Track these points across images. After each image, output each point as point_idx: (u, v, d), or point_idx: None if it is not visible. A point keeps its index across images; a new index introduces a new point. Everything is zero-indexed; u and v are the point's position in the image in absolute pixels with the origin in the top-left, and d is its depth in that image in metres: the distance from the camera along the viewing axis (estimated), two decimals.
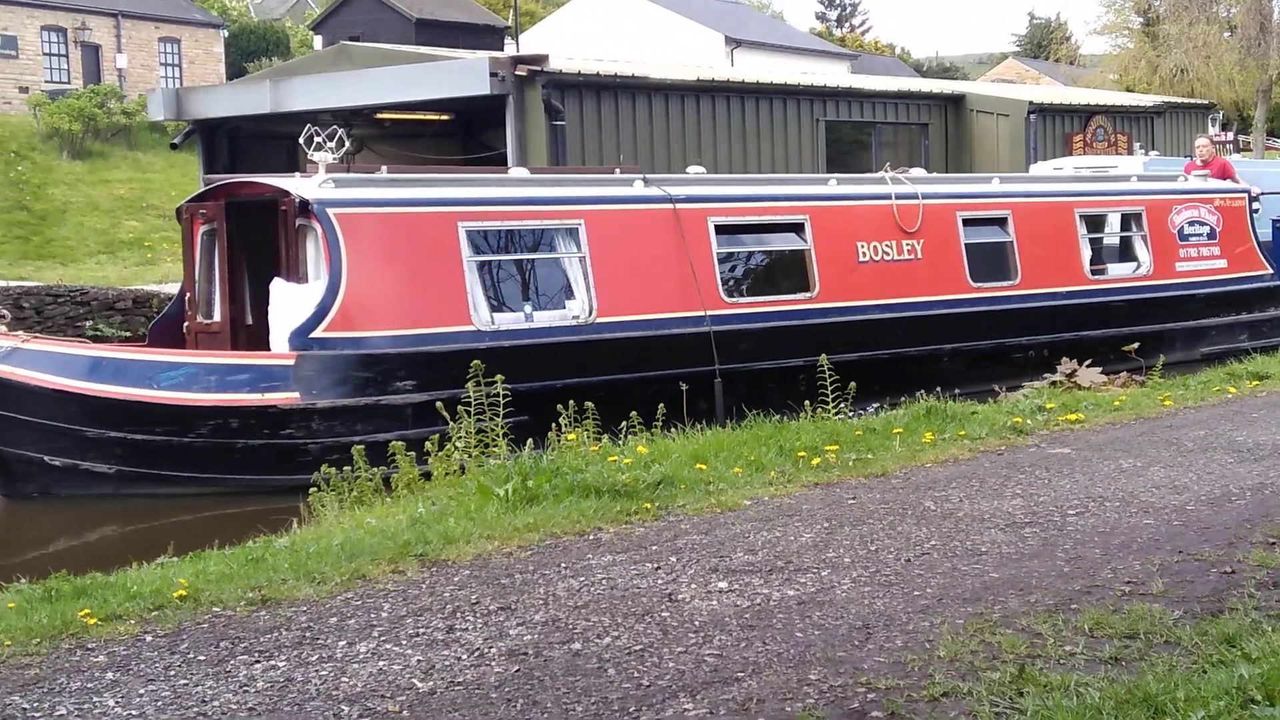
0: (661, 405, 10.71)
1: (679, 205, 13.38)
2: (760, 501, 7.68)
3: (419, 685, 4.88)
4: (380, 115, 23.12)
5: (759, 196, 14.36)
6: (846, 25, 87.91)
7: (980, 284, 15.25)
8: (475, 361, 9.85)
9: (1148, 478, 8.08)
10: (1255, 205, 18.81)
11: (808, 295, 14.01)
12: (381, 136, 24.34)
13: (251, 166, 21.59)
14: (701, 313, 13.12)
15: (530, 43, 48.67)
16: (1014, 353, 15.41)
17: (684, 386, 12.52)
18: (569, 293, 12.77)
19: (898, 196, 14.82)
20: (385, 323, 11.88)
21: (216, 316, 13.20)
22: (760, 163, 22.42)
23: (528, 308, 12.60)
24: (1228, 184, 18.11)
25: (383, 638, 5.40)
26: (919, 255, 14.81)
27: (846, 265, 14.31)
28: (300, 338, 11.54)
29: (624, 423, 10.33)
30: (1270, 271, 18.02)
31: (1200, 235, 17.38)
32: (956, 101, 26.38)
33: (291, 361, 11.50)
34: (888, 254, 14.59)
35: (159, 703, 4.77)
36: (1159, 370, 13.23)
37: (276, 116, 22.11)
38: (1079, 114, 27.36)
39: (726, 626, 5.43)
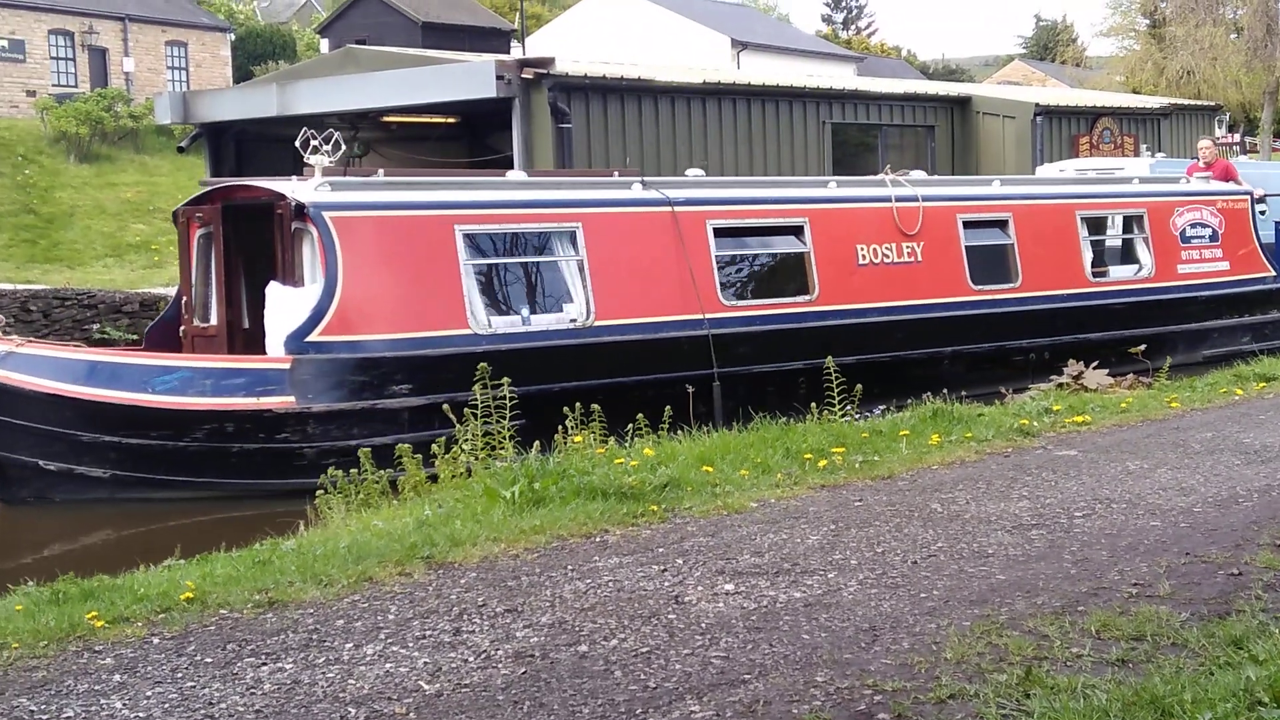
0: (661, 409, 10.61)
1: (677, 208, 13.33)
2: (767, 504, 7.68)
3: (426, 687, 4.88)
4: (386, 118, 23.16)
5: (758, 199, 14.32)
6: (852, 28, 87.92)
7: (981, 286, 15.20)
8: (481, 365, 9.82)
9: (1155, 480, 8.07)
10: (1261, 207, 18.78)
11: (807, 298, 13.96)
12: (388, 139, 24.38)
13: (258, 169, 21.60)
14: (700, 316, 13.08)
15: (536, 46, 48.72)
16: (1015, 355, 15.36)
17: (690, 389, 12.51)
18: (567, 296, 12.73)
19: (897, 199, 14.78)
20: (381, 326, 11.83)
21: (213, 320, 13.17)
22: (766, 165, 22.41)
23: (525, 311, 12.56)
24: (1230, 186, 18.07)
25: (389, 640, 5.41)
26: (919, 258, 14.76)
27: (846, 268, 14.25)
28: (296, 341, 11.49)
29: (622, 427, 10.28)
30: (1273, 274, 17.96)
31: (1202, 237, 17.33)
32: (963, 104, 26.36)
33: (287, 365, 11.46)
34: (887, 256, 14.53)
35: (166, 705, 4.78)
36: (1166, 372, 13.21)
37: (283, 120, 22.12)
38: (1085, 116, 27.34)
39: (733, 628, 5.43)
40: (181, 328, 13.35)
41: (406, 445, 9.64)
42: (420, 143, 24.02)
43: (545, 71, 19.45)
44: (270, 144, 23.97)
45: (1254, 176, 20.02)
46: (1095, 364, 13.79)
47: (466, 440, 9.63)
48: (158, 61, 49.76)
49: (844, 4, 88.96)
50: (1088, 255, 16.30)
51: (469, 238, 12.26)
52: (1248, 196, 17.96)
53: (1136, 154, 26.46)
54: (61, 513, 11.47)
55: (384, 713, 4.65)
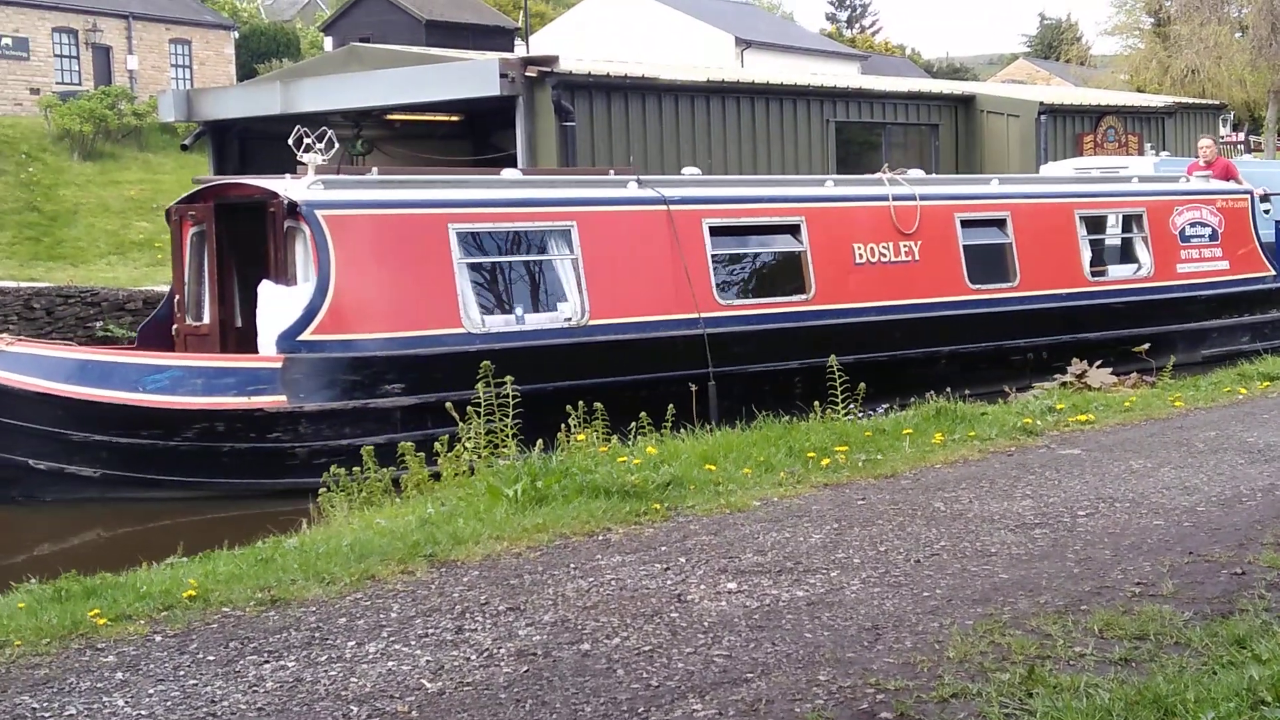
0: (656, 409, 10.55)
1: (673, 207, 13.27)
2: (769, 502, 7.67)
3: (428, 685, 4.88)
4: (390, 117, 23.15)
5: (754, 198, 14.24)
6: (857, 26, 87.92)
7: (979, 286, 15.14)
8: (485, 363, 9.78)
9: (1158, 479, 8.06)
10: (1265, 206, 18.74)
11: (803, 297, 13.89)
12: (392, 138, 24.37)
13: (261, 168, 21.60)
14: (695, 315, 13.04)
15: (540, 44, 48.75)
16: (1013, 355, 15.27)
17: (694, 387, 12.49)
18: (561, 295, 12.66)
19: (895, 198, 14.72)
20: (374, 325, 11.75)
21: (206, 319, 13.09)
22: (770, 164, 22.40)
23: (519, 310, 12.49)
24: (1230, 185, 18.02)
25: (392, 638, 5.41)
26: (916, 257, 14.69)
27: (843, 267, 14.19)
28: (288, 340, 11.42)
29: (617, 426, 10.19)
30: (1273, 273, 17.90)
31: (1202, 237, 17.28)
32: (967, 102, 26.33)
33: (279, 364, 11.38)
34: (885, 255, 14.47)
35: (168, 703, 4.78)
36: (1169, 371, 13.19)
37: (287, 118, 22.07)
38: (1090, 115, 27.30)
39: (735, 627, 5.43)
40: (174, 326, 13.29)
41: (409, 444, 9.62)
42: (424, 141, 24.01)
43: (549, 70, 19.44)
44: (274, 142, 23.88)
45: (1258, 175, 19.99)
46: (1098, 364, 13.74)
47: (467, 439, 9.60)
48: (162, 59, 49.82)
49: (848, 2, 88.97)
50: (1086, 254, 16.24)
51: (462, 236, 12.18)
52: (1248, 196, 17.92)
53: (1141, 153, 26.41)
54: (52, 512, 11.40)
55: (386, 711, 4.65)
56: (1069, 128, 26.75)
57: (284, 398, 11.34)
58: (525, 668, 5.03)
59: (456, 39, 34.38)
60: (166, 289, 23.84)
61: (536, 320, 12.46)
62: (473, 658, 5.16)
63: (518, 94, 19.54)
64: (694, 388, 12.43)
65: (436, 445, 9.61)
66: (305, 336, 11.44)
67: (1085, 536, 6.74)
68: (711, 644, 5.23)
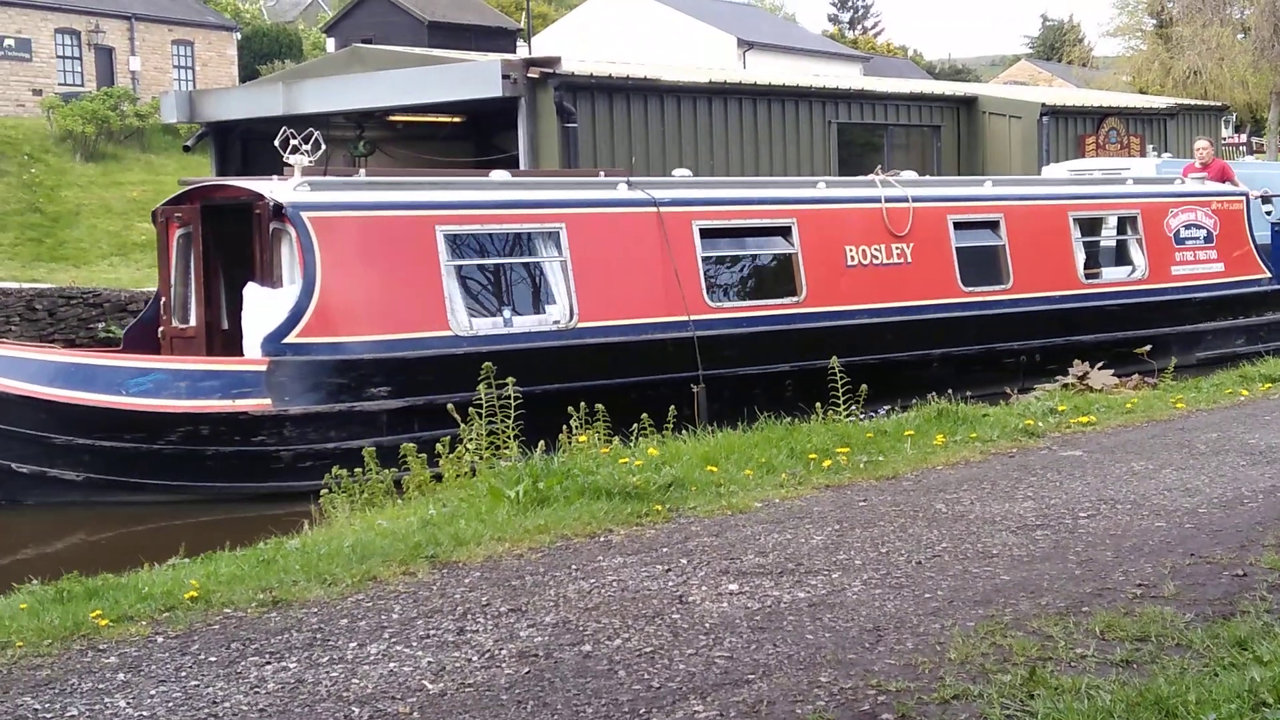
0: (646, 411, 10.48)
1: (663, 208, 13.20)
2: (771, 503, 7.68)
3: (430, 687, 4.88)
4: (393, 118, 23.17)
5: (745, 200, 14.16)
6: (859, 27, 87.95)
7: (971, 288, 15.08)
8: (486, 364, 9.73)
9: (1159, 480, 8.06)
10: (1267, 207, 18.71)
11: (794, 300, 13.83)
12: (394, 139, 24.39)
13: (264, 169, 21.57)
14: (685, 318, 12.97)
15: (542, 45, 48.75)
16: (1006, 358, 15.21)
17: (695, 388, 12.46)
18: (550, 297, 12.58)
19: (887, 199, 14.65)
20: (360, 328, 11.65)
21: (192, 321, 13.02)
22: (771, 165, 22.41)
23: (507, 312, 12.41)
24: (1225, 187, 17.97)
25: (393, 639, 5.41)
26: (909, 259, 14.62)
27: (834, 269, 14.12)
28: (273, 343, 11.33)
29: (607, 429, 10.10)
30: (1268, 275, 17.85)
31: (1197, 239, 17.23)
32: (969, 103, 26.34)
33: (264, 367, 11.29)
34: (877, 258, 14.40)
35: (170, 704, 4.78)
36: (1171, 373, 13.17)
37: (289, 119, 22.11)
38: (1092, 116, 27.31)
39: (737, 628, 5.43)
40: (160, 329, 13.20)
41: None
42: (426, 142, 24.03)
43: (551, 71, 19.45)
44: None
45: (1260, 176, 19.97)
46: (1099, 365, 13.73)
47: (468, 440, 9.59)
48: (164, 60, 49.86)
49: (850, 4, 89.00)
50: (1080, 256, 16.17)
51: (450, 238, 12.09)
52: (1243, 198, 17.87)
53: (1143, 154, 26.41)
54: (35, 516, 11.31)
55: (388, 712, 4.66)
56: (1071, 129, 26.75)
57: (269, 401, 11.23)
58: (527, 669, 5.03)
59: (459, 40, 34.36)
60: None
61: (525, 323, 12.37)
62: (474, 659, 5.16)
63: (520, 95, 19.55)
64: (695, 389, 12.40)
65: (424, 448, 9.57)
66: (291, 339, 11.33)
67: (1087, 538, 6.74)
68: (713, 645, 5.24)
